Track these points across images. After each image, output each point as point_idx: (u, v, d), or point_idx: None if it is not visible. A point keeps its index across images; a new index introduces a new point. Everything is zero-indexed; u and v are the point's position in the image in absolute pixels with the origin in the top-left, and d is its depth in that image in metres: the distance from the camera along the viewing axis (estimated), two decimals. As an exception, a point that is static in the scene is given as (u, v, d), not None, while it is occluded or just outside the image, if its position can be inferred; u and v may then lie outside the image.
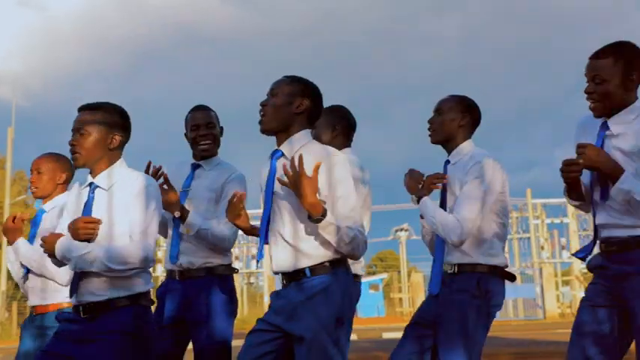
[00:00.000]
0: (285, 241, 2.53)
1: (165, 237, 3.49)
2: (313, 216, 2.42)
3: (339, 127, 3.37)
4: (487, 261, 3.00)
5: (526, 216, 25.37)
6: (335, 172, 2.49)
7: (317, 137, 3.02)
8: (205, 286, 3.30)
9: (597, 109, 2.62)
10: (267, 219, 2.58)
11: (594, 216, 2.67)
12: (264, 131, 2.63)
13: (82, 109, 2.73)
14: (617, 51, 2.61)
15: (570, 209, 25.32)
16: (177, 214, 3.27)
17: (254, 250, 21.76)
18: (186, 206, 3.36)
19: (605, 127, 2.63)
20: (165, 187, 3.25)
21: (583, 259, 2.75)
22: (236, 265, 24.60)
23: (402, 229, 29.98)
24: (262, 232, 2.59)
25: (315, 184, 2.42)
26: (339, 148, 3.24)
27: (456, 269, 3.01)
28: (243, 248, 23.81)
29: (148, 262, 2.59)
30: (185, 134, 3.53)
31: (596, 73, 2.60)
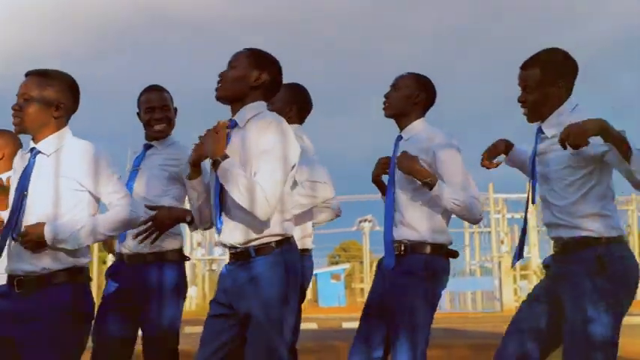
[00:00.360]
0: (234, 214, 2.52)
1: None
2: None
3: (296, 108, 3.38)
4: (435, 239, 3.02)
5: (487, 210, 25.77)
6: (268, 136, 2.49)
7: (276, 112, 3.05)
8: (154, 272, 3.25)
9: (529, 116, 2.80)
10: (218, 190, 2.56)
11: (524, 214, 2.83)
12: (218, 98, 2.64)
13: (29, 74, 2.64)
14: (545, 60, 2.75)
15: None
16: (188, 217, 3.13)
17: (217, 237, 21.63)
18: (135, 185, 3.30)
19: (540, 130, 2.79)
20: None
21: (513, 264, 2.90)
22: (198, 251, 24.44)
23: (365, 220, 30.15)
24: (216, 204, 2.56)
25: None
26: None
27: (404, 248, 3.02)
28: (205, 234, 23.67)
29: (138, 219, 2.60)
30: (138, 114, 3.46)
31: (526, 83, 2.77)
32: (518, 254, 2.97)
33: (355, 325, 3.27)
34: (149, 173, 3.33)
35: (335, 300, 29.85)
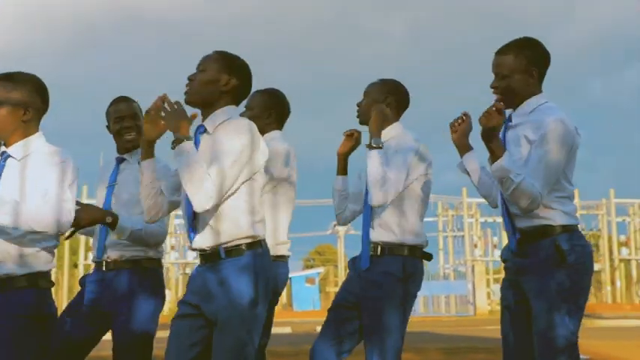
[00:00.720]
0: (204, 218, 2.49)
1: (92, 236, 3.41)
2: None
3: (274, 113, 3.37)
4: (412, 241, 3.04)
5: (461, 214, 25.96)
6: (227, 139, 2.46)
7: (252, 118, 3.05)
8: (132, 278, 3.22)
9: (503, 102, 2.72)
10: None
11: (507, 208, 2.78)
12: (187, 103, 2.60)
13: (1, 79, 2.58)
14: (519, 47, 2.75)
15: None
16: (108, 219, 3.12)
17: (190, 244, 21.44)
18: (113, 201, 3.29)
19: (509, 119, 2.78)
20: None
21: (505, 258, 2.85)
22: (172, 255, 24.24)
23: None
24: (187, 209, 2.52)
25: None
26: (268, 131, 3.30)
27: (380, 250, 3.03)
28: (179, 238, 23.49)
29: (61, 226, 2.48)
30: (107, 127, 3.43)
31: (499, 69, 2.75)
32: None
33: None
34: (126, 189, 3.29)
35: (309, 304, 29.81)
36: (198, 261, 2.61)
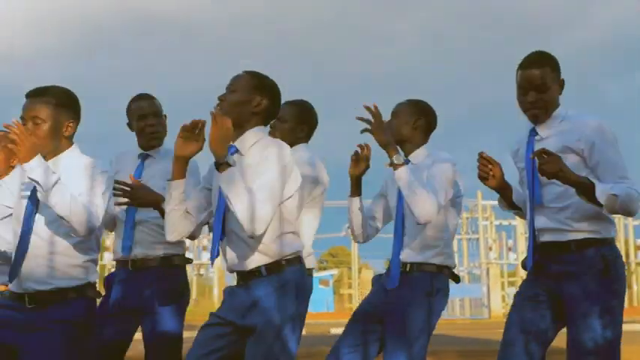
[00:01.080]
0: (240, 238, 2.49)
1: (112, 230, 3.42)
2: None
3: (307, 128, 3.35)
4: (442, 261, 3.10)
5: (476, 217, 25.83)
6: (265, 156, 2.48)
7: (285, 131, 3.05)
8: (158, 277, 3.24)
9: (540, 116, 2.73)
10: (222, 215, 2.52)
11: (532, 220, 2.75)
12: None
13: (33, 95, 2.58)
14: (549, 60, 2.75)
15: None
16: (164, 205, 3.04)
17: (205, 242, 21.55)
18: None
19: (533, 132, 2.76)
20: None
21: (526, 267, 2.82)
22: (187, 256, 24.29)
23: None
24: (217, 229, 2.52)
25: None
26: (297, 144, 3.27)
27: (409, 268, 3.07)
28: (193, 242, 23.51)
29: (87, 228, 2.50)
30: (128, 124, 3.43)
31: (540, 81, 2.69)
32: (532, 258, 2.83)
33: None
34: (152, 184, 3.29)
35: (323, 306, 29.79)
36: (208, 262, 2.64)
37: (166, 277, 3.25)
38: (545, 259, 2.71)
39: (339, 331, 3.19)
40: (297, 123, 3.28)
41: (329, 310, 29.60)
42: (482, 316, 23.06)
